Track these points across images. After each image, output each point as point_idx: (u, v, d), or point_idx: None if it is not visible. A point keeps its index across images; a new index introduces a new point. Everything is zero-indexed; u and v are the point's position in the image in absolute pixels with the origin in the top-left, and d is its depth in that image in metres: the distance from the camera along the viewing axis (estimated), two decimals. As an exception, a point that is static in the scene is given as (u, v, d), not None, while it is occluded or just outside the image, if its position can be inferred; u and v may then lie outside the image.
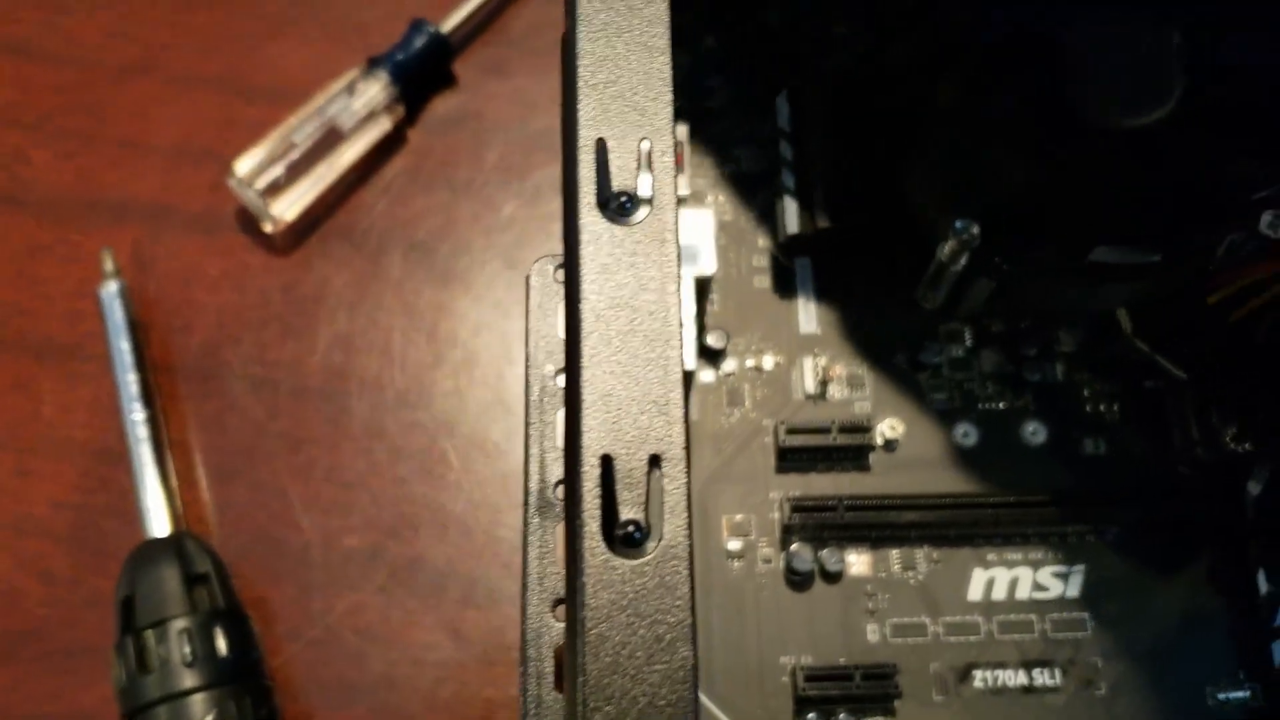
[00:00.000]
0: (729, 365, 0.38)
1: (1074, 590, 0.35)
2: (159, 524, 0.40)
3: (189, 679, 0.36)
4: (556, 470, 0.27)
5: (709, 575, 0.36)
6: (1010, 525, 0.36)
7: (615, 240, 0.22)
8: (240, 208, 0.45)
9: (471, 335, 0.44)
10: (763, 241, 0.39)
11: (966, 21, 0.36)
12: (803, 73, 0.41)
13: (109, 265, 0.43)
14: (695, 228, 0.37)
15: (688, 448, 0.21)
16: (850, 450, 0.37)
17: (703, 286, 0.37)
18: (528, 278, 0.29)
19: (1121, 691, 0.35)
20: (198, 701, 0.36)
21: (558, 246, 0.24)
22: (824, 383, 0.38)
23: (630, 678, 0.20)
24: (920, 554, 0.36)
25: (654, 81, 0.23)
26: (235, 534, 0.41)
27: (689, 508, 0.21)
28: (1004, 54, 0.35)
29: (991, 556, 0.36)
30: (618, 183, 0.22)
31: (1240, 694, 0.34)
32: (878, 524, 0.36)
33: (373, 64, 0.45)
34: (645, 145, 0.22)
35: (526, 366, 0.28)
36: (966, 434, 0.37)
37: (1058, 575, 0.36)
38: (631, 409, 0.21)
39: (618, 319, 0.22)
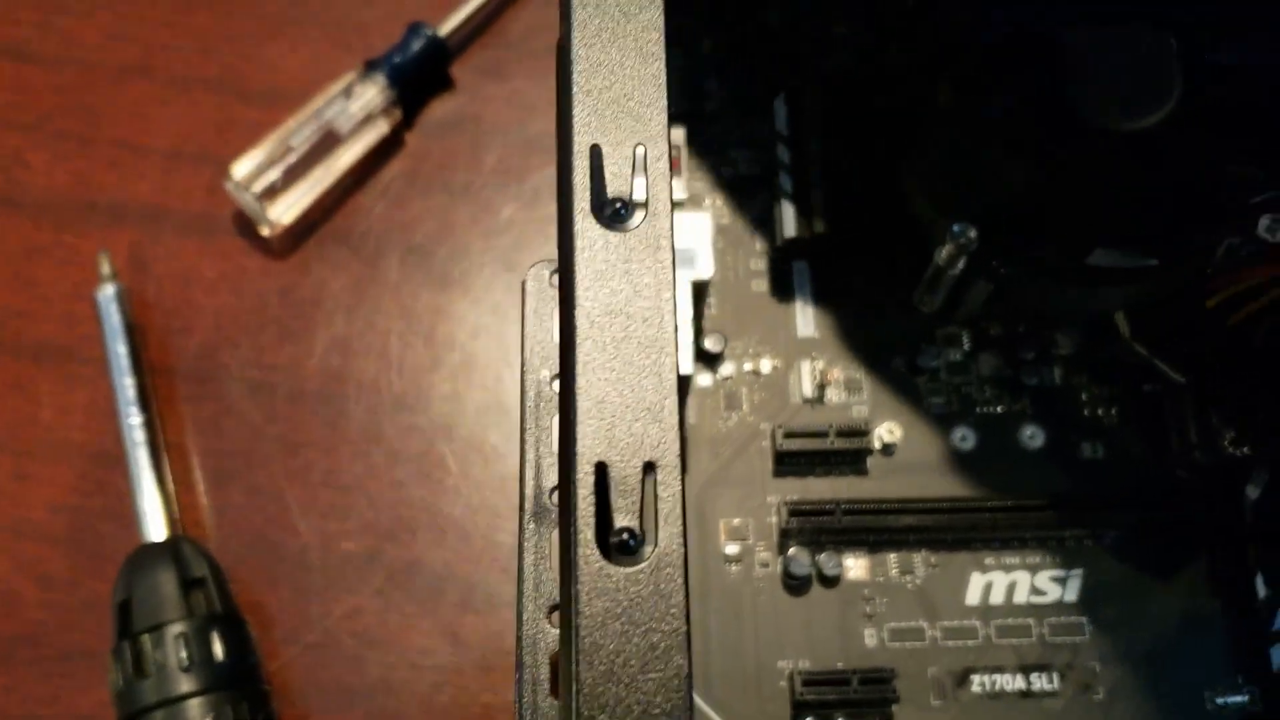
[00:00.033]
0: (726, 369, 0.38)
1: (1072, 594, 0.35)
2: (156, 528, 0.40)
3: (186, 684, 0.36)
4: (552, 476, 0.27)
5: (706, 579, 0.35)
6: (1008, 529, 0.36)
7: (610, 247, 0.22)
8: (238, 210, 0.45)
9: (470, 338, 0.44)
10: (760, 245, 0.39)
11: (966, 22, 0.36)
12: (801, 74, 0.41)
13: (106, 268, 0.43)
14: (693, 231, 0.37)
15: (683, 455, 0.21)
16: (848, 454, 0.37)
17: (700, 290, 0.37)
18: (523, 283, 0.29)
19: (1119, 696, 0.35)
20: (194, 706, 0.36)
21: (555, 250, 0.24)
22: (822, 386, 0.38)
23: (625, 686, 0.20)
24: (918, 558, 0.36)
25: (649, 87, 0.23)
26: (232, 537, 0.41)
27: (684, 515, 0.20)
28: (1003, 55, 0.35)
29: (989, 560, 0.36)
30: (612, 189, 0.22)
31: (1239, 698, 0.34)
32: (875, 528, 0.36)
33: (370, 67, 0.45)
34: (640, 151, 0.22)
35: (522, 372, 0.28)
36: (964, 438, 0.37)
37: (1056, 579, 0.36)
38: (626, 416, 0.21)
39: (612, 326, 0.21)
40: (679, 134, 0.40)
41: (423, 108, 0.47)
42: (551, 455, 0.27)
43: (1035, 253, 0.35)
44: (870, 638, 0.35)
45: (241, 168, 0.43)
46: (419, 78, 0.46)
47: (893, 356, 0.38)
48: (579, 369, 0.21)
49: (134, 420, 0.41)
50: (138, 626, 0.37)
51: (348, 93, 0.45)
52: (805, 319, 0.38)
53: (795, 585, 0.36)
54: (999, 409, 0.38)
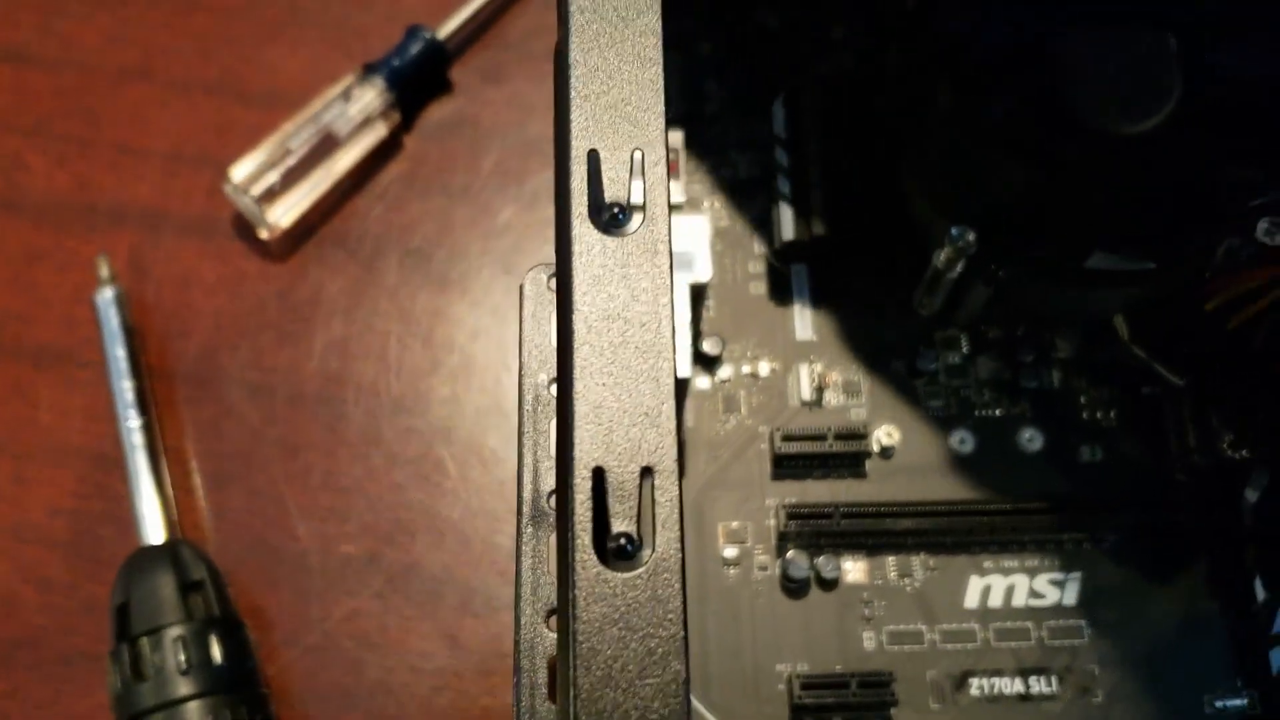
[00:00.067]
0: (725, 372, 0.38)
1: (1071, 598, 0.35)
2: (154, 531, 0.40)
3: (184, 687, 0.36)
4: (550, 480, 0.27)
5: (705, 582, 0.35)
6: (1007, 532, 0.36)
7: (607, 252, 0.22)
8: (237, 213, 0.45)
9: (468, 341, 0.44)
10: (759, 248, 0.39)
11: (966, 25, 0.36)
12: (800, 76, 0.41)
13: (105, 271, 0.43)
14: (691, 234, 0.37)
15: (680, 460, 0.21)
16: (846, 457, 0.37)
17: (698, 293, 0.37)
18: (521, 286, 0.29)
19: (1118, 699, 0.35)
20: (193, 709, 0.36)
21: (553, 253, 0.24)
22: (820, 389, 0.38)
23: (622, 691, 0.20)
24: (917, 561, 0.36)
25: (646, 92, 0.23)
26: (231, 540, 0.41)
27: (681, 520, 0.21)
28: (1003, 57, 0.35)
29: (988, 564, 0.36)
30: (610, 194, 0.22)
31: (1238, 701, 0.34)
32: (874, 531, 0.36)
33: (369, 70, 0.45)
34: (638, 156, 0.22)
35: (520, 376, 0.28)
36: (963, 441, 0.37)
37: (1054, 582, 0.36)
38: (623, 421, 0.21)
39: (610, 331, 0.21)
40: (677, 137, 0.40)
41: (421, 110, 0.47)
42: (549, 459, 0.27)
43: (1034, 255, 0.35)
44: (869, 641, 0.35)
45: (240, 170, 0.44)
46: (418, 81, 0.46)
47: (891, 359, 0.38)
48: (577, 374, 0.21)
49: (133, 423, 0.41)
50: (136, 629, 0.37)
51: (346, 96, 0.45)
52: (804, 322, 0.38)
53: (794, 588, 0.36)
54: (998, 412, 0.38)
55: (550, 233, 0.46)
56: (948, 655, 0.35)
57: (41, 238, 0.45)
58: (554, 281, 0.28)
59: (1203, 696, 0.35)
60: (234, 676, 0.37)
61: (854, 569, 0.36)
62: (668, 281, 0.22)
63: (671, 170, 0.23)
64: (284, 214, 0.44)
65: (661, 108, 0.23)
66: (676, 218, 0.29)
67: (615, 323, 0.22)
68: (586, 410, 0.21)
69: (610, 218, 0.22)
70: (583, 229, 0.22)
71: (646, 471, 0.21)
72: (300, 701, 0.39)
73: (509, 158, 0.46)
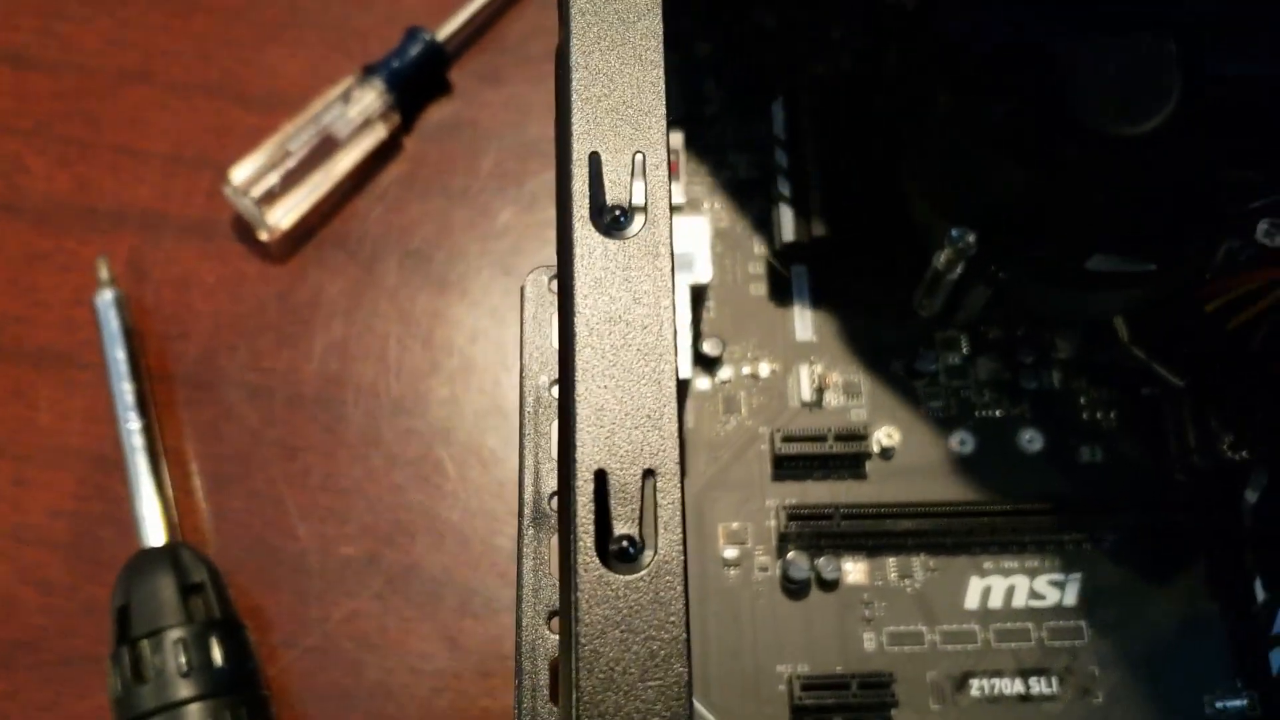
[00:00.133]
0: (725, 373, 0.38)
1: (1071, 598, 0.35)
2: (154, 533, 0.40)
3: (185, 689, 0.36)
4: (551, 482, 0.27)
5: (705, 583, 0.35)
6: (1007, 533, 0.36)
7: (609, 254, 0.22)
8: (236, 215, 0.45)
9: (468, 342, 0.44)
10: (759, 249, 0.39)
11: (966, 27, 0.36)
12: (799, 77, 0.41)
13: (104, 273, 0.43)
14: (691, 235, 0.37)
15: (682, 462, 0.21)
16: (847, 458, 0.37)
17: (698, 294, 0.37)
18: (522, 288, 0.29)
19: (1118, 700, 0.35)
20: (194, 712, 0.36)
21: (553, 254, 0.24)
22: (820, 390, 0.38)
23: (625, 694, 0.20)
24: (917, 562, 0.36)
25: (648, 94, 0.23)
26: (231, 542, 0.41)
27: (683, 522, 0.21)
28: (1003, 58, 0.35)
29: (988, 564, 0.36)
30: (611, 196, 0.22)
31: (1238, 702, 0.34)
32: (874, 532, 0.36)
33: (368, 72, 0.45)
34: (639, 159, 0.22)
35: (521, 377, 0.28)
36: (963, 441, 0.37)
37: (1054, 583, 0.36)
38: (625, 423, 0.21)
39: (611, 333, 0.21)
40: (677, 138, 0.40)
41: (420, 112, 0.47)
42: (550, 461, 0.27)
43: (1034, 256, 0.35)
44: (869, 642, 0.35)
45: (240, 173, 0.44)
46: (417, 82, 0.46)
47: (891, 360, 0.38)
48: (578, 376, 0.21)
49: (133, 425, 0.41)
50: (137, 632, 0.37)
51: (346, 98, 0.45)
52: (804, 322, 0.38)
53: (794, 589, 0.36)
54: (998, 413, 0.38)
55: (549, 234, 0.46)
56: (948, 656, 0.35)
57: (41, 239, 0.45)
58: (555, 283, 0.28)
59: (1203, 697, 0.35)
60: (235, 678, 0.37)
61: (854, 570, 0.36)
62: (669, 284, 0.22)
63: (671, 171, 0.23)
64: (284, 216, 0.44)
65: (663, 110, 0.23)
66: (677, 219, 0.29)
67: (617, 325, 0.22)
68: (588, 413, 0.21)
69: (612, 220, 0.22)
70: (584, 231, 0.22)
71: (648, 474, 0.21)
72: (300, 703, 0.39)
73: (508, 159, 0.46)
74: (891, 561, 0.36)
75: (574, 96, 0.23)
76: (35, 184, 0.46)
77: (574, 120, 0.23)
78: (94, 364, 0.43)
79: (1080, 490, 0.37)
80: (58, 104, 0.47)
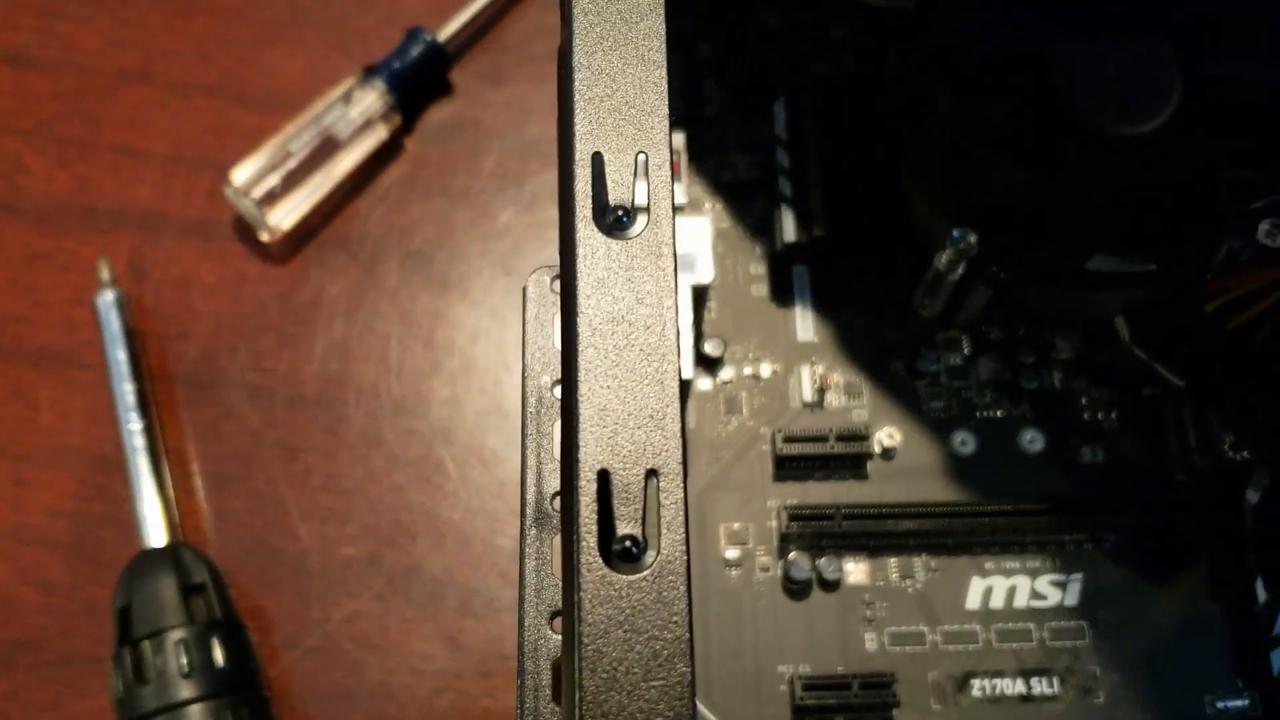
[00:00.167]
0: (726, 373, 0.38)
1: (1072, 598, 0.35)
2: (156, 534, 0.40)
3: (186, 690, 0.36)
4: (554, 482, 0.27)
5: (706, 583, 0.35)
6: (1008, 533, 0.36)
7: (612, 254, 0.22)
8: (237, 216, 0.45)
9: (469, 343, 0.44)
10: (760, 249, 0.39)
11: (966, 27, 0.36)
12: (800, 77, 0.41)
13: (105, 273, 0.43)
14: (692, 236, 0.37)
15: (685, 462, 0.21)
16: (848, 458, 0.37)
17: (700, 294, 0.37)
18: (524, 288, 0.29)
19: (1120, 700, 0.35)
20: (195, 713, 0.36)
21: (555, 254, 0.24)
22: (821, 391, 0.38)
23: (627, 694, 0.20)
24: (918, 562, 0.36)
25: (650, 95, 0.23)
26: (232, 543, 0.41)
27: (686, 522, 0.21)
28: (1003, 59, 0.35)
29: (989, 565, 0.36)
30: (614, 196, 0.22)
31: (1239, 702, 0.34)
32: (875, 532, 0.36)
33: (369, 72, 0.45)
34: (642, 159, 0.22)
35: (523, 378, 0.28)
36: (964, 442, 0.37)
37: (1056, 583, 0.36)
38: (628, 424, 0.21)
39: (614, 333, 0.21)
40: (679, 139, 0.40)
41: (422, 113, 0.47)
42: (552, 461, 0.27)
43: (1035, 256, 0.35)
44: (870, 642, 0.35)
45: (241, 173, 0.44)
46: (418, 83, 0.46)
47: (892, 361, 0.38)
48: (581, 376, 0.21)
49: (134, 426, 0.41)
50: (138, 632, 0.37)
51: (347, 98, 0.45)
52: (805, 323, 0.38)
53: (795, 589, 0.36)
54: (999, 413, 0.38)
55: (550, 234, 0.46)
56: (949, 656, 0.35)
57: (41, 239, 0.45)
58: (557, 284, 0.28)
59: (1204, 697, 0.35)
60: (236, 679, 0.37)
61: (856, 570, 0.36)
62: (672, 284, 0.22)
63: (673, 172, 0.23)
64: (285, 216, 0.44)
65: (666, 110, 0.23)
66: (678, 220, 0.29)
67: (620, 325, 0.22)
68: (591, 413, 0.21)
69: (614, 220, 0.22)
70: (587, 231, 0.22)
71: (651, 474, 0.21)
72: (301, 703, 0.39)
73: (509, 159, 0.46)
74: (893, 562, 0.36)
75: (576, 96, 0.23)
76: (35, 184, 0.46)
77: (576, 120, 0.23)
78: (94, 364, 0.43)
79: (1081, 490, 0.37)
80: (58, 104, 0.47)
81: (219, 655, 0.37)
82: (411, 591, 0.41)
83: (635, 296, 0.22)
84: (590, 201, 0.22)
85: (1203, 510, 0.36)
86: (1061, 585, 0.36)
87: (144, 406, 0.42)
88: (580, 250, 0.22)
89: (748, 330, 0.38)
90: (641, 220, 0.22)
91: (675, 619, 0.20)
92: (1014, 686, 0.35)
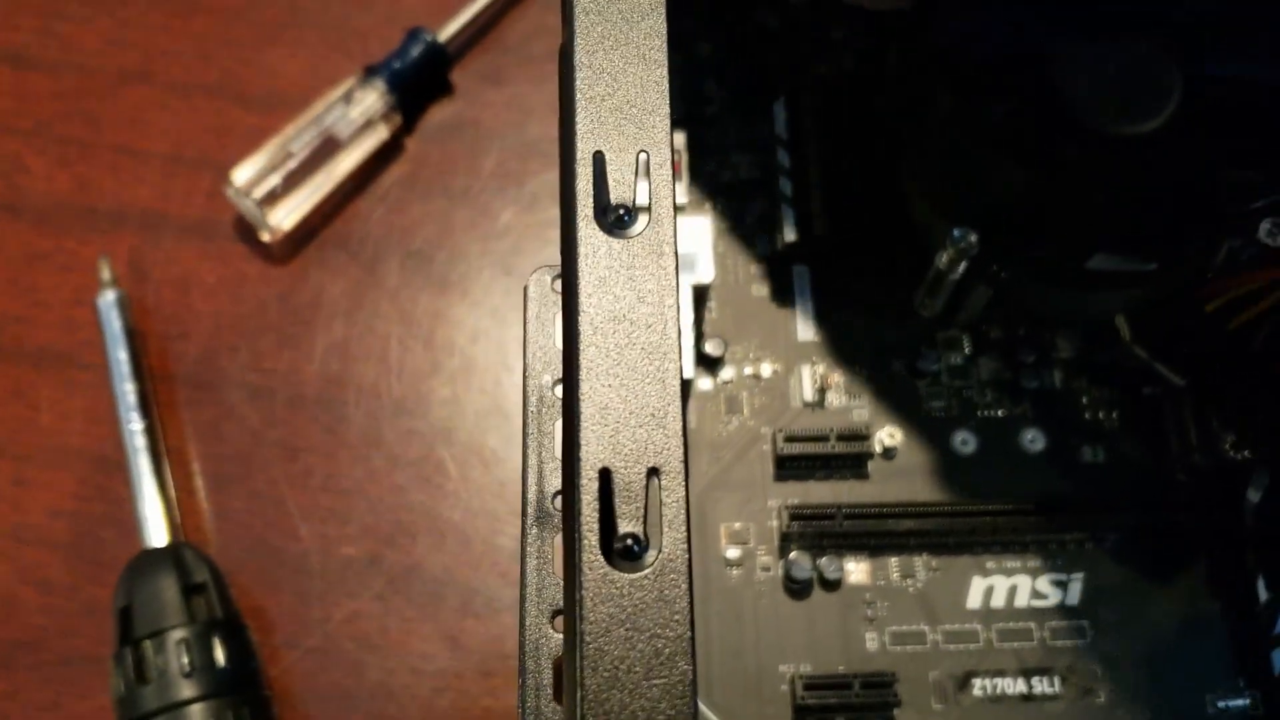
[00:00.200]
0: (727, 373, 0.38)
1: (1073, 598, 0.35)
2: (157, 533, 0.40)
3: (187, 689, 0.36)
4: (555, 481, 0.27)
5: (707, 583, 0.35)
6: (1009, 533, 0.36)
7: (613, 253, 0.22)
8: (238, 216, 0.45)
9: (469, 343, 0.44)
10: (760, 249, 0.39)
11: (966, 27, 0.36)
12: (800, 77, 0.41)
13: (106, 274, 0.43)
14: (693, 235, 0.37)
15: (686, 461, 0.21)
16: (849, 458, 0.37)
17: (700, 294, 0.37)
18: (525, 288, 0.29)
19: (1121, 699, 0.35)
20: (196, 712, 0.36)
21: (555, 254, 0.24)
22: (822, 390, 0.38)
23: (629, 692, 0.20)
24: (919, 562, 0.36)
25: (652, 93, 0.23)
26: (233, 543, 0.41)
27: (688, 521, 0.20)
28: (1003, 59, 0.35)
29: (990, 564, 0.36)
30: (615, 195, 0.22)
31: (1240, 702, 0.34)
32: (876, 532, 0.36)
33: (370, 72, 0.45)
34: (643, 158, 0.22)
35: (524, 377, 0.28)
36: (965, 441, 0.37)
37: (1056, 583, 0.36)
38: (630, 422, 0.21)
39: (615, 332, 0.21)
40: (679, 138, 0.40)
41: (422, 113, 0.47)
42: (553, 460, 0.27)
43: (1035, 256, 0.35)
44: (871, 641, 0.35)
45: (242, 173, 0.44)
46: (418, 83, 0.46)
47: (893, 360, 0.38)
48: (582, 375, 0.21)
49: (135, 426, 0.41)
50: (139, 632, 0.37)
51: (348, 98, 0.45)
52: (806, 323, 0.38)
53: (796, 589, 0.36)
54: (999, 412, 0.38)
55: (550, 234, 0.46)
56: (950, 656, 0.35)
57: (41, 240, 0.45)
58: (558, 283, 0.28)
59: (1205, 696, 0.35)
60: (237, 678, 0.37)
61: (856, 570, 0.36)
62: (673, 283, 0.22)
63: (674, 171, 0.23)
64: (285, 217, 0.44)
65: (667, 109, 0.23)
66: (679, 219, 0.29)
67: (621, 324, 0.22)
68: (593, 411, 0.21)
69: (616, 219, 0.22)
70: (588, 230, 0.22)
71: (653, 472, 0.21)
72: (301, 703, 0.39)
73: (509, 159, 0.46)
74: (894, 561, 0.36)
75: (578, 95, 0.23)
76: (35, 184, 0.46)
77: (578, 119, 0.23)
78: (94, 364, 0.43)
79: (1082, 490, 0.37)
80: (58, 104, 0.47)
81: (220, 655, 0.37)
82: (412, 591, 0.41)
83: (636, 295, 0.22)
84: (591, 200, 0.22)
85: (1203, 510, 0.36)
86: (1062, 585, 0.36)
87: (145, 406, 0.42)
88: (581, 249, 0.22)
89: (748, 330, 0.38)
90: (643, 219, 0.22)
91: (677, 617, 0.20)
92: (1015, 686, 0.35)
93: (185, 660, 0.36)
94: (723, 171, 0.40)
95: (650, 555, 0.20)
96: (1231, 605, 0.35)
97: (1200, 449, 0.36)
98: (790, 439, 0.36)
